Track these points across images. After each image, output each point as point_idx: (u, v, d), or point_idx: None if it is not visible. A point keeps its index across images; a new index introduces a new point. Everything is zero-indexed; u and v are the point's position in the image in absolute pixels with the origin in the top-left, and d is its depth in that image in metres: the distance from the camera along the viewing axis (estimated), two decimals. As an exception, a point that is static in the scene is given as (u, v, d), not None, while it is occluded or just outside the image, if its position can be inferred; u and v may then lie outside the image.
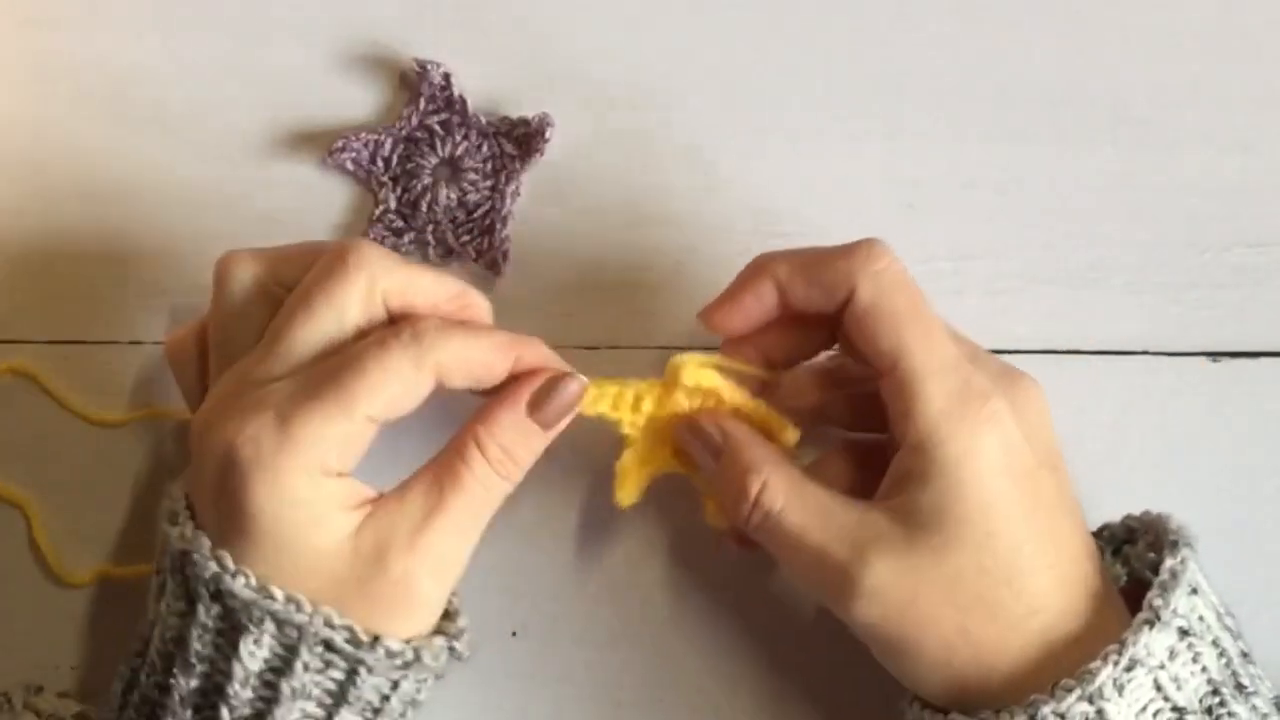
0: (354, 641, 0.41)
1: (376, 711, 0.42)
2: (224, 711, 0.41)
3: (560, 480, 0.50)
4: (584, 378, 0.44)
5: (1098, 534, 0.45)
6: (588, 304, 0.51)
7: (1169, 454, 0.48)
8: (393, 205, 0.51)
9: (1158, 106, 0.51)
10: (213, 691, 0.41)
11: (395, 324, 0.43)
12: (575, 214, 0.51)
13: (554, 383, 0.44)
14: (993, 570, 0.41)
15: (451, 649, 0.43)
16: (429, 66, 0.50)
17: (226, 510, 0.41)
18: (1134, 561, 0.44)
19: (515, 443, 0.43)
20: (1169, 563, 0.41)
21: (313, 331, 0.42)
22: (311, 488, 0.41)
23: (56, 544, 0.50)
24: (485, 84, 0.51)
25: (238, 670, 0.41)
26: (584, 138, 0.51)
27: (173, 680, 0.42)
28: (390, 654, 0.41)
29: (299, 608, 0.40)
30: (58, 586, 0.49)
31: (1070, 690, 0.39)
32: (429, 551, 0.42)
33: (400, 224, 0.51)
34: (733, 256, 0.51)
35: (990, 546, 0.41)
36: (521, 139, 0.51)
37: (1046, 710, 0.39)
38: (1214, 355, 0.50)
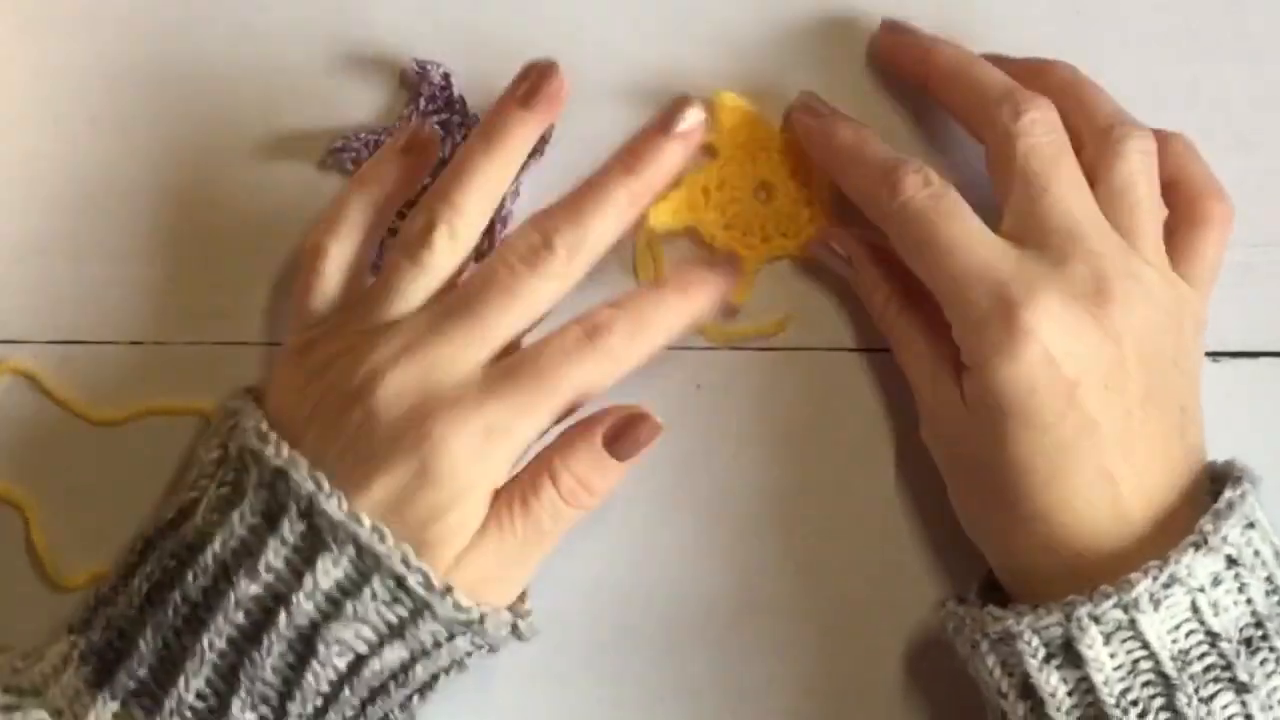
0: (426, 585, 0.42)
1: (425, 654, 0.43)
2: (282, 616, 0.41)
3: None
4: (659, 421, 0.45)
5: None
6: (588, 304, 0.50)
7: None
8: (393, 205, 0.51)
9: (1158, 106, 0.51)
10: (269, 599, 0.42)
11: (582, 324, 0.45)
12: (575, 214, 0.51)
13: (632, 420, 0.44)
14: (1018, 470, 0.42)
15: (515, 626, 0.44)
16: (429, 66, 0.50)
17: (408, 468, 0.42)
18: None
19: (590, 475, 0.44)
20: (1227, 494, 0.42)
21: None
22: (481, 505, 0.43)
23: (55, 545, 0.50)
24: (485, 84, 0.51)
25: (308, 583, 0.41)
26: (584, 138, 0.51)
27: (231, 585, 0.42)
28: (458, 607, 0.42)
29: (382, 538, 0.41)
30: (52, 590, 0.49)
31: (1108, 596, 0.40)
32: (505, 587, 0.44)
33: (400, 224, 0.51)
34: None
35: (1017, 452, 0.42)
36: (521, 139, 0.51)
37: (1083, 611, 0.40)
38: (1214, 355, 0.50)
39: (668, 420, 0.49)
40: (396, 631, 0.42)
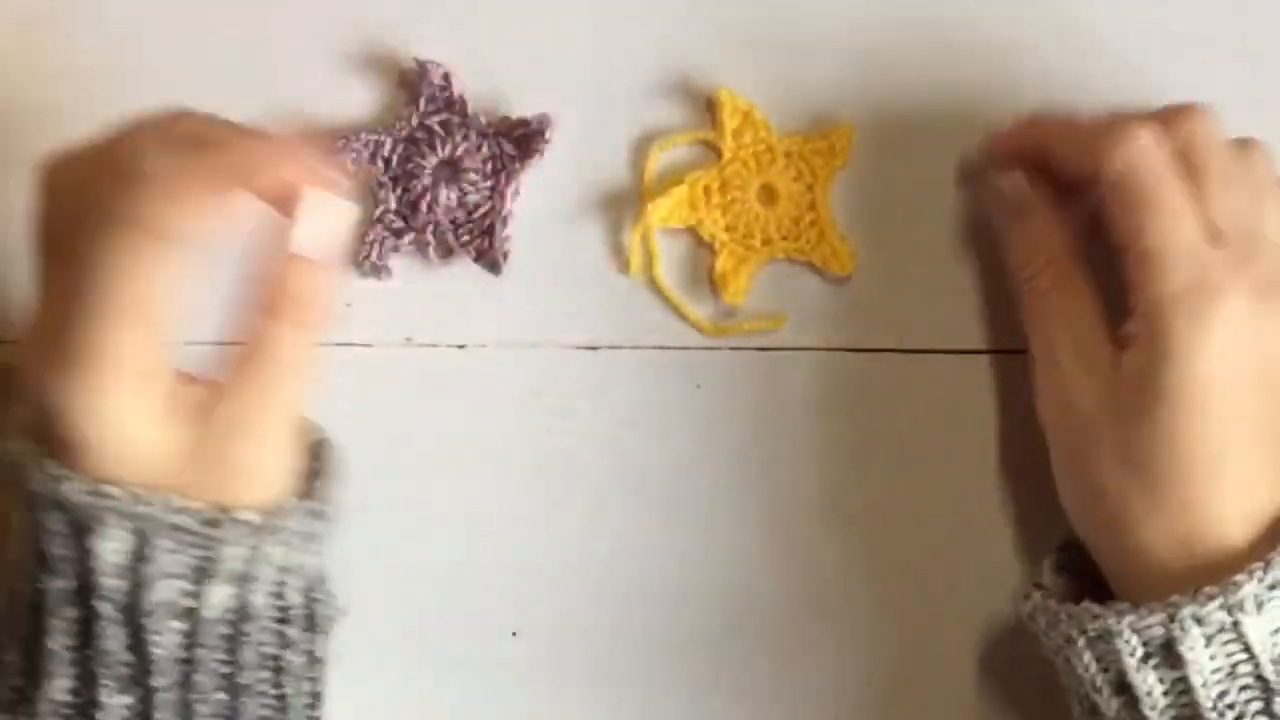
0: (207, 521, 0.41)
1: (249, 579, 0.43)
2: (102, 605, 0.41)
3: (560, 479, 0.50)
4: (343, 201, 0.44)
5: None
6: (588, 304, 0.51)
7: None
8: (393, 205, 0.51)
9: (1157, 106, 0.51)
10: (85, 589, 0.42)
11: None
12: (575, 214, 0.51)
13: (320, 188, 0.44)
14: (1164, 454, 0.42)
15: (313, 511, 0.44)
16: (429, 66, 0.50)
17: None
18: None
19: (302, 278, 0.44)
20: None
21: None
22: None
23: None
24: (485, 84, 0.51)
25: (99, 565, 0.41)
26: (584, 138, 0.51)
27: (40, 585, 0.42)
28: (242, 524, 0.42)
29: (138, 499, 0.41)
30: None
31: (1213, 598, 0.40)
32: (263, 433, 0.43)
33: (400, 224, 0.51)
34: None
35: (1172, 434, 0.42)
36: (521, 139, 0.51)
37: (1186, 612, 0.40)
38: (1214, 355, 0.50)
39: (668, 420, 0.50)
40: (203, 573, 0.42)
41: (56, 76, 0.52)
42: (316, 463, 0.46)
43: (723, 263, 0.50)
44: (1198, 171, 0.44)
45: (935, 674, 0.49)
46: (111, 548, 0.41)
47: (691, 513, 0.50)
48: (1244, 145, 0.46)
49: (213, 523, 0.42)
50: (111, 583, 0.41)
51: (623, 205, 0.51)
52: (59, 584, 0.42)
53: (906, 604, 0.49)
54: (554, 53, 0.52)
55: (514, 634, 0.49)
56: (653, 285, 0.51)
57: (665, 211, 0.50)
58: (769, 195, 0.50)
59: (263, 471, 0.43)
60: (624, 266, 0.51)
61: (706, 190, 0.50)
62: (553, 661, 0.49)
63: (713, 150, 0.51)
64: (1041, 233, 0.47)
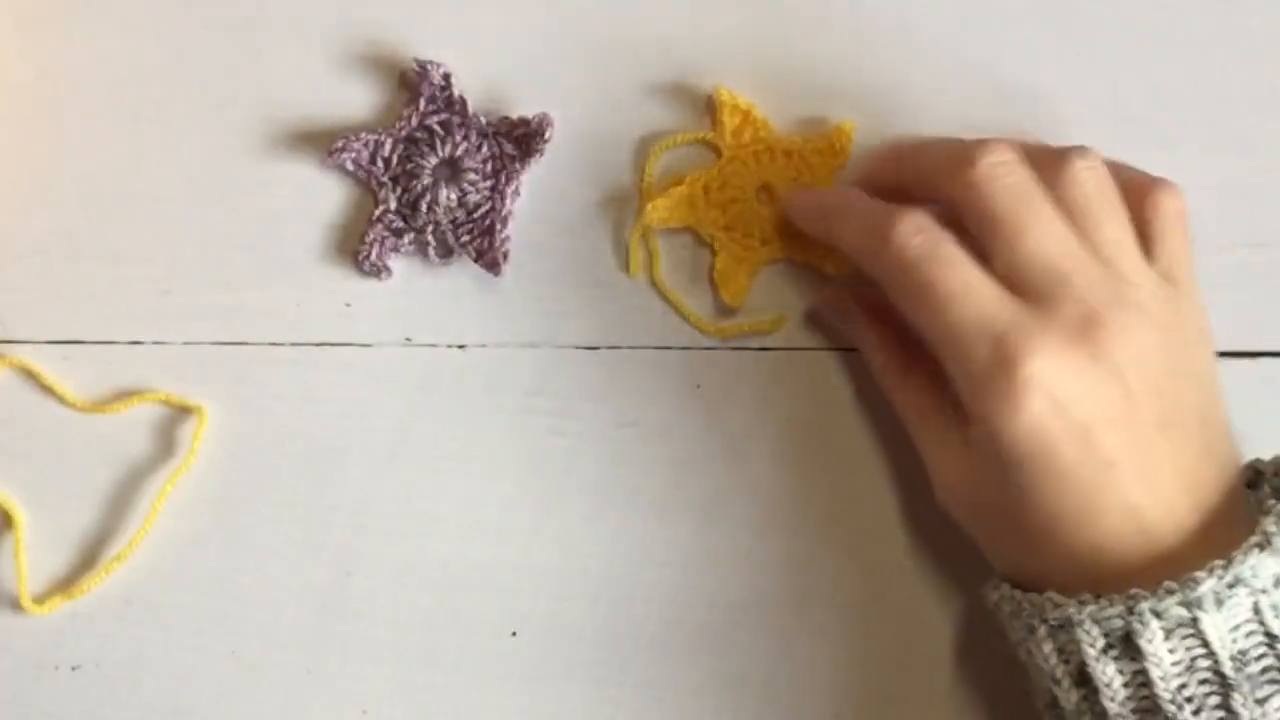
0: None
1: None
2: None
3: (560, 479, 0.50)
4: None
5: None
6: (588, 304, 0.51)
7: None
8: (393, 205, 0.51)
9: (1158, 106, 0.51)
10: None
11: None
12: (575, 214, 0.51)
13: None
14: (1038, 515, 0.42)
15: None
16: (429, 66, 0.50)
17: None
18: (1252, 506, 0.44)
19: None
20: None
21: None
22: None
23: (38, 556, 0.50)
24: (485, 84, 0.51)
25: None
26: (584, 138, 0.51)
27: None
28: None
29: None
30: (14, 610, 0.49)
31: (1171, 593, 0.40)
32: None
33: (400, 224, 0.51)
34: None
35: (1034, 498, 0.42)
36: (521, 139, 0.51)
37: (1145, 606, 0.40)
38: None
39: (668, 420, 0.49)
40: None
41: (56, 76, 0.52)
42: None
43: (722, 262, 0.50)
44: (989, 221, 0.44)
45: (936, 667, 0.49)
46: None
47: (691, 513, 0.50)
48: (1062, 160, 0.45)
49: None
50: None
51: (623, 205, 0.51)
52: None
53: (906, 601, 0.49)
54: (554, 53, 0.52)
55: (513, 634, 0.49)
56: (653, 285, 0.51)
57: (664, 211, 0.50)
58: (768, 194, 0.50)
59: None
60: (624, 266, 0.51)
61: (706, 190, 0.50)
62: (552, 661, 0.49)
63: (712, 150, 0.51)
64: (874, 342, 0.48)
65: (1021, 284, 0.43)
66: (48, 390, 0.50)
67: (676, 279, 0.51)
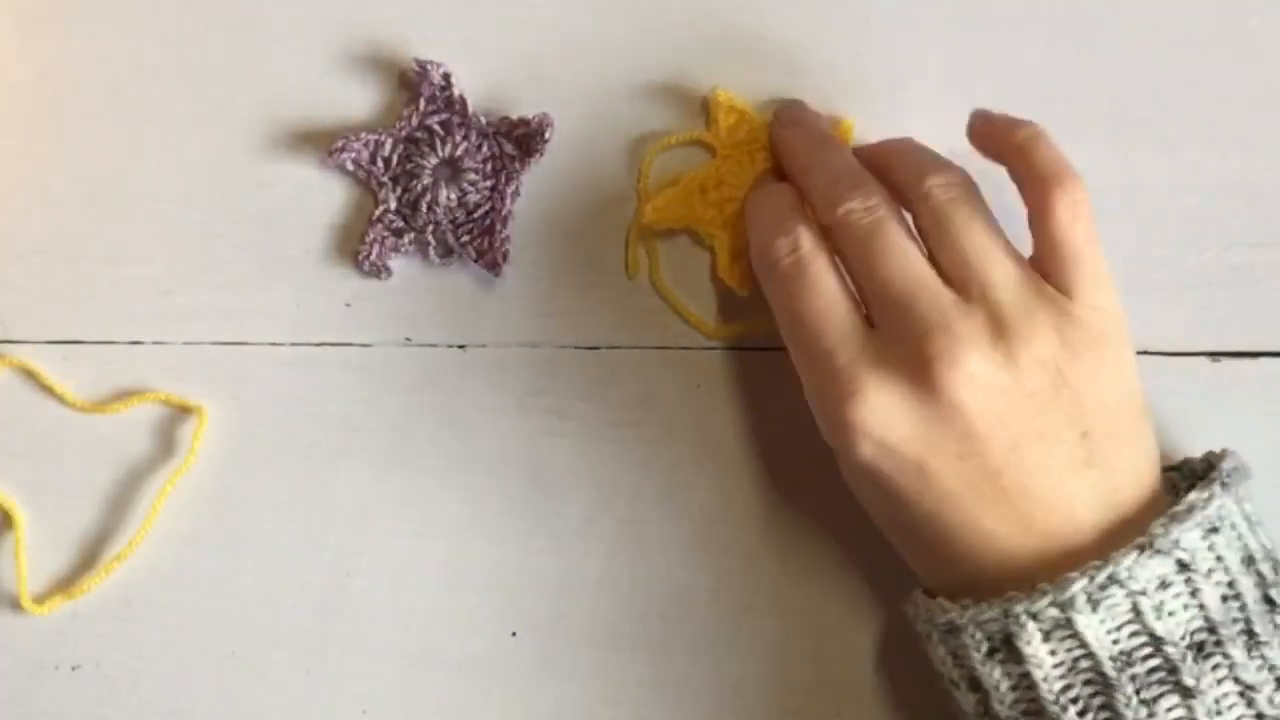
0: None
1: None
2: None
3: (560, 479, 0.50)
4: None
5: (1176, 468, 0.46)
6: (588, 304, 0.51)
7: (1169, 454, 0.48)
8: (393, 205, 0.51)
9: (1158, 106, 0.51)
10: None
11: None
12: (575, 214, 0.51)
13: None
14: (902, 534, 0.44)
15: None
16: (429, 66, 0.50)
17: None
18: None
19: None
20: (1190, 496, 0.42)
21: None
22: None
23: (37, 557, 0.50)
24: (485, 84, 0.51)
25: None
26: (584, 138, 0.51)
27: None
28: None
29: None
30: (14, 609, 0.49)
31: (1044, 594, 0.40)
32: None
33: (400, 224, 0.51)
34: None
35: (895, 517, 0.44)
36: (521, 139, 0.51)
37: (1019, 609, 0.41)
38: (1214, 355, 0.50)
39: (668, 420, 0.49)
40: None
41: (56, 76, 0.52)
42: None
43: (723, 256, 0.50)
44: (850, 255, 0.44)
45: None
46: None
47: (691, 513, 0.50)
48: (917, 180, 0.45)
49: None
50: None
51: (622, 205, 0.51)
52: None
53: (903, 598, 0.49)
54: (554, 53, 0.52)
55: (513, 634, 0.49)
56: (653, 285, 0.51)
57: (661, 212, 0.50)
58: None
59: None
60: (623, 266, 0.51)
61: (702, 189, 0.50)
62: (552, 661, 0.49)
63: (708, 150, 0.51)
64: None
65: (876, 316, 0.43)
66: (48, 390, 0.50)
67: (676, 279, 0.51)
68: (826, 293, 0.44)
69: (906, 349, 0.42)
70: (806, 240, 0.45)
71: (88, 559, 0.50)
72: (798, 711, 0.49)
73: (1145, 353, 0.50)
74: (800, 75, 0.51)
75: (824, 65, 0.51)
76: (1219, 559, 0.41)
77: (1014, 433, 0.42)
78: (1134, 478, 0.43)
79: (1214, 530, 0.41)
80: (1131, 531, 0.41)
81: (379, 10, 0.52)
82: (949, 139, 0.51)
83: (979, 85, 0.51)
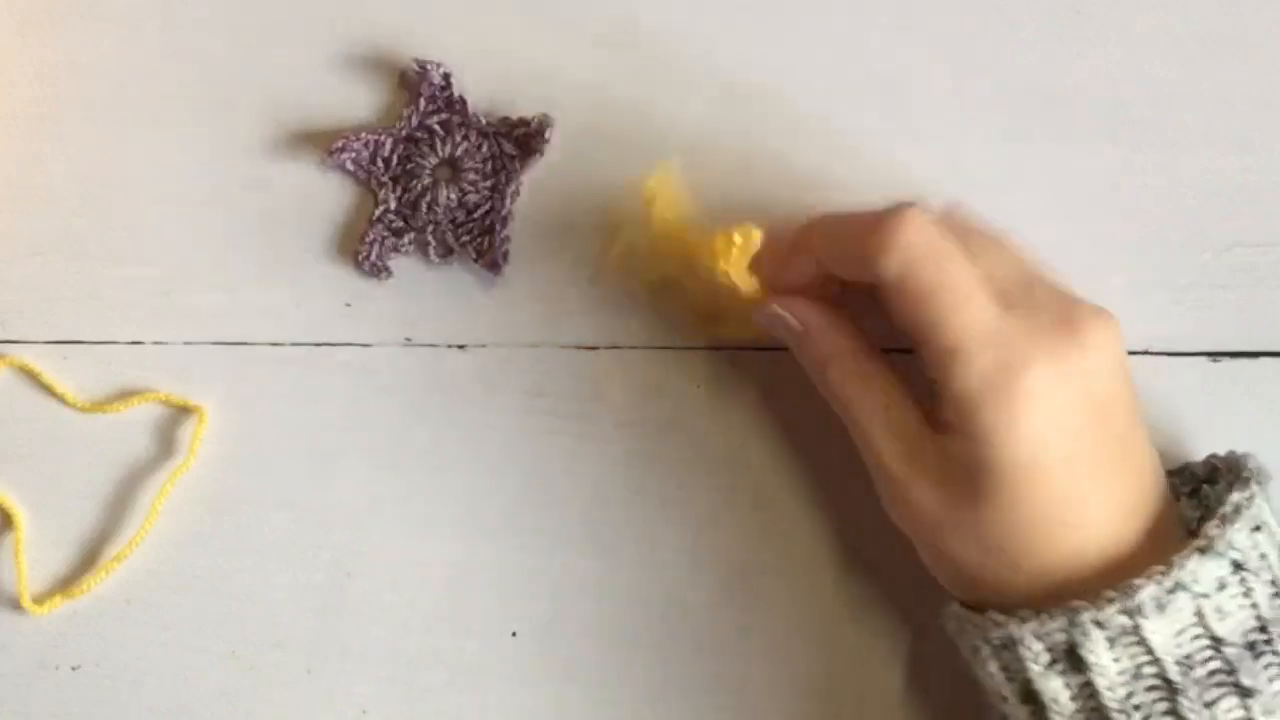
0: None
1: None
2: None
3: (560, 479, 0.50)
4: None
5: (1177, 474, 0.46)
6: (588, 304, 0.51)
7: (1169, 454, 0.48)
8: (393, 205, 0.51)
9: (1158, 106, 0.51)
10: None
11: None
12: (575, 214, 0.51)
13: None
14: (1020, 525, 0.41)
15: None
16: (429, 66, 0.50)
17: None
18: (1211, 502, 0.44)
19: None
20: (1234, 496, 0.42)
21: None
22: None
23: (37, 558, 0.50)
24: (485, 84, 0.51)
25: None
26: (584, 138, 0.51)
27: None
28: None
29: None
30: (15, 610, 0.50)
31: (1111, 601, 0.40)
32: None
33: (400, 224, 0.51)
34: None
35: (1015, 509, 0.41)
36: (521, 139, 0.51)
37: (1086, 616, 0.40)
38: (1214, 355, 0.50)
39: (668, 420, 0.49)
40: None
41: (56, 76, 0.52)
42: None
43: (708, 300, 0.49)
44: (962, 233, 0.44)
45: (937, 666, 0.49)
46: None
47: (690, 513, 0.50)
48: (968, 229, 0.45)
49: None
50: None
51: (622, 205, 0.51)
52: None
53: (908, 600, 0.49)
54: (554, 53, 0.52)
55: (513, 634, 0.49)
56: (651, 286, 0.50)
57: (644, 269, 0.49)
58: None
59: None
60: (622, 266, 0.50)
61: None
62: (552, 661, 0.49)
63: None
64: (822, 348, 0.46)
65: (1004, 295, 0.43)
66: (48, 390, 0.50)
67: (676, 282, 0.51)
68: (967, 269, 0.43)
69: (1044, 318, 0.42)
70: (928, 219, 0.43)
71: (88, 559, 0.50)
72: (798, 712, 0.49)
73: (1145, 353, 0.50)
74: (799, 73, 0.51)
75: (824, 66, 0.51)
76: (1263, 556, 0.41)
77: (1126, 417, 0.43)
78: (1160, 483, 0.43)
79: (1257, 529, 0.42)
80: (1159, 538, 0.42)
81: (379, 10, 0.52)
82: (949, 139, 0.51)
83: (979, 85, 0.51)
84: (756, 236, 0.46)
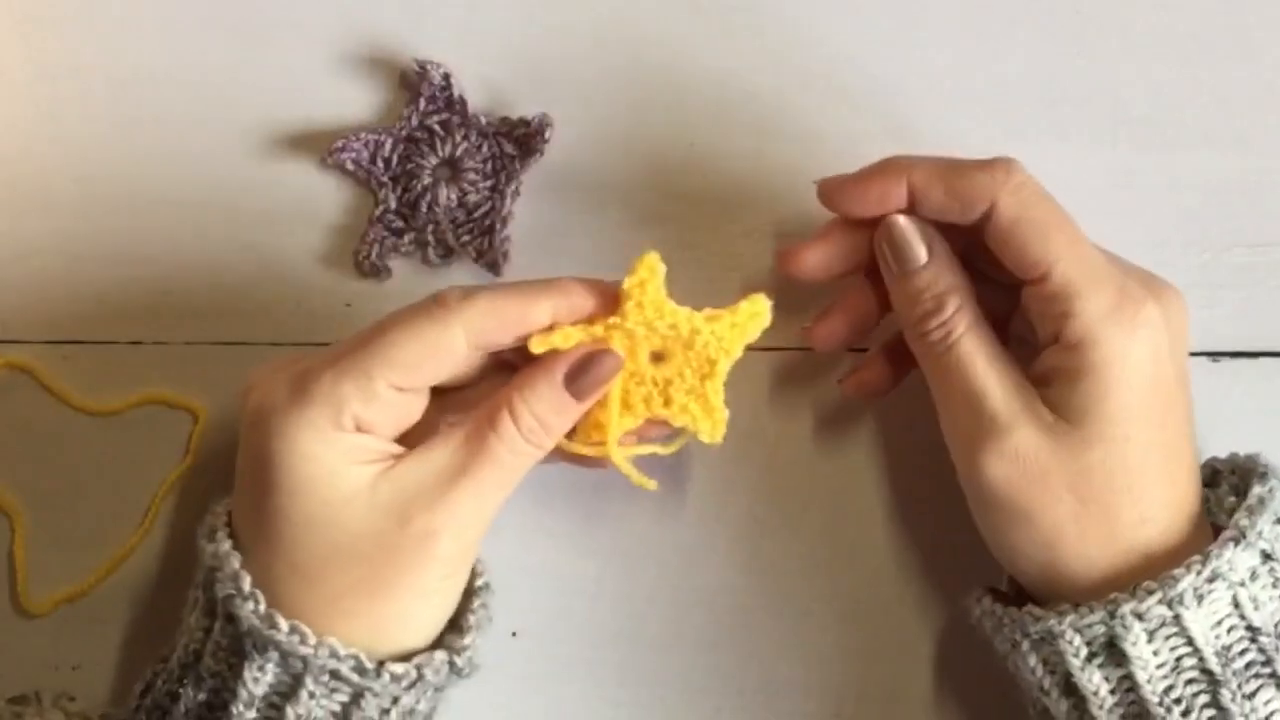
0: (359, 670, 0.41)
1: None
2: None
3: (560, 480, 0.50)
4: (619, 352, 0.44)
5: None
6: (588, 304, 0.51)
7: (1169, 454, 0.48)
8: (393, 205, 0.51)
9: (1158, 106, 0.51)
10: (218, 707, 0.42)
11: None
12: (575, 214, 0.51)
13: (592, 356, 0.43)
14: (1119, 473, 0.41)
15: (452, 664, 0.43)
16: (429, 66, 0.50)
17: (252, 468, 0.42)
18: (1213, 505, 0.44)
19: (549, 412, 0.43)
20: (1257, 489, 0.42)
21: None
22: (320, 442, 0.41)
23: (35, 558, 0.50)
24: (485, 84, 0.51)
25: (242, 692, 0.41)
26: (584, 138, 0.51)
27: (182, 690, 0.42)
28: (395, 678, 0.42)
29: (303, 640, 0.41)
30: (16, 612, 0.50)
31: (1151, 593, 0.40)
32: (451, 511, 0.42)
33: (400, 224, 0.51)
34: (732, 257, 0.51)
35: (1123, 451, 0.41)
36: (521, 139, 0.51)
37: (1126, 609, 0.40)
38: (1214, 355, 0.50)
39: (667, 420, 0.49)
40: (342, 716, 0.42)
41: (56, 76, 0.52)
42: (471, 606, 0.45)
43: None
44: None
45: (934, 666, 0.49)
46: (261, 679, 0.41)
47: (690, 513, 0.50)
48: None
49: (365, 672, 0.41)
50: (246, 713, 0.41)
51: (622, 205, 0.51)
52: (198, 696, 0.42)
53: (906, 600, 0.49)
54: (554, 53, 0.52)
55: (514, 634, 0.49)
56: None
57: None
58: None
59: (444, 560, 0.42)
60: (624, 266, 0.50)
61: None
62: (553, 661, 0.49)
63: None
64: (946, 279, 0.44)
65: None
66: (48, 390, 0.50)
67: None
68: (1081, 233, 0.43)
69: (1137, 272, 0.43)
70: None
71: (88, 559, 0.50)
72: (797, 711, 0.49)
73: (1145, 353, 0.50)
74: (800, 73, 0.51)
75: (824, 66, 0.51)
76: None
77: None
78: (1196, 481, 0.44)
79: (1278, 521, 0.42)
80: (1192, 530, 0.42)
81: (379, 10, 0.52)
82: (949, 140, 0.51)
83: (979, 85, 0.51)
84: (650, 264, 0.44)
